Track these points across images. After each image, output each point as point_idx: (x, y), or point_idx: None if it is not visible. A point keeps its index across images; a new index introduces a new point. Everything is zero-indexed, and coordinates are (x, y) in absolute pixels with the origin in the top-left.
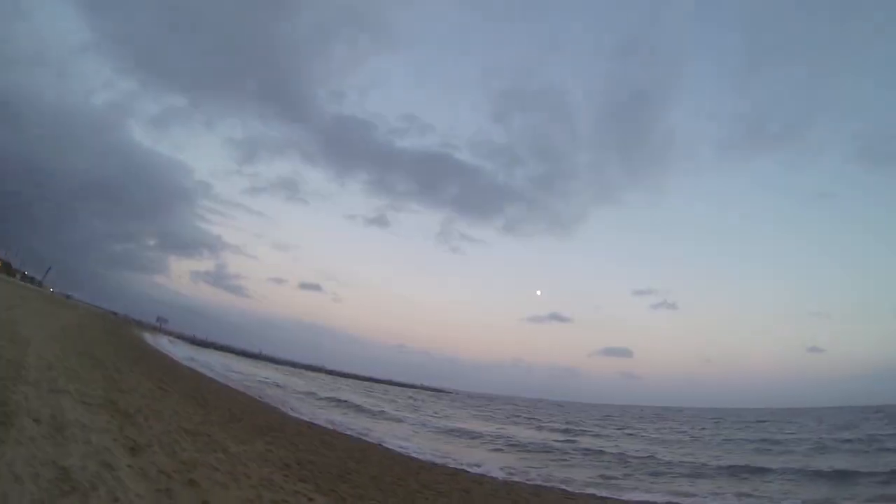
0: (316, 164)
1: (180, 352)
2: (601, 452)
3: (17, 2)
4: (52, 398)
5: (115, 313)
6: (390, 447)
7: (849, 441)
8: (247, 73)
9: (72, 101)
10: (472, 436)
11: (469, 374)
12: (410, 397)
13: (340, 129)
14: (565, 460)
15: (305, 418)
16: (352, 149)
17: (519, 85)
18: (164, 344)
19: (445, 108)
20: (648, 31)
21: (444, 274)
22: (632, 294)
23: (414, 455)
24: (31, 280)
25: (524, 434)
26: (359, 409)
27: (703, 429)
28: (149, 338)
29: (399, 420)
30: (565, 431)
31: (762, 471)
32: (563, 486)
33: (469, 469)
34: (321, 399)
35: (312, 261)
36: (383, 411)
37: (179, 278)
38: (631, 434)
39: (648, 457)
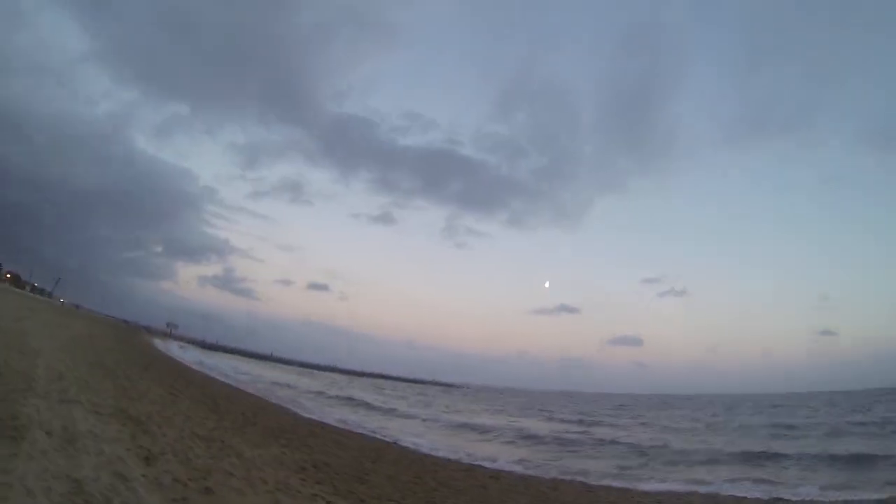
0: (319, 164)
1: (190, 356)
2: (615, 443)
3: (17, 12)
4: (63, 409)
5: (125, 321)
6: (404, 445)
7: (863, 424)
8: (247, 77)
9: (74, 110)
10: (485, 430)
11: (479, 368)
12: (421, 393)
13: (342, 129)
14: (580, 452)
15: (318, 418)
16: (354, 148)
17: (521, 79)
18: (173, 349)
19: (448, 104)
20: (651, 23)
21: (451, 269)
22: (640, 283)
23: (428, 452)
24: (41, 291)
25: (537, 426)
26: (370, 406)
27: (716, 415)
28: (159, 344)
29: (411, 416)
30: (578, 422)
31: (778, 456)
32: (581, 479)
33: (485, 464)
34: (332, 398)
35: (319, 261)
36: (394, 408)
37: (187, 283)
38: (644, 423)
39: (663, 446)
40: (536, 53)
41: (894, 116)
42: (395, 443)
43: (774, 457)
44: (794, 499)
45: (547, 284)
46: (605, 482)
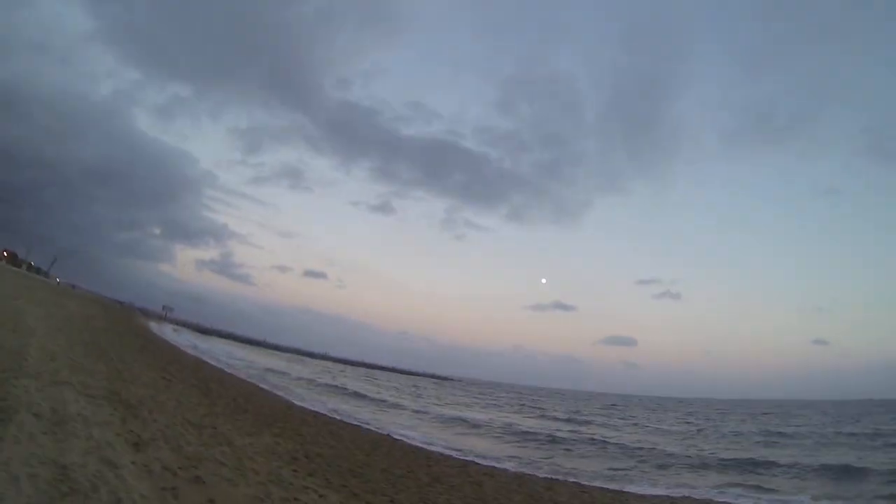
0: (321, 151)
1: (184, 340)
2: (606, 443)
3: None
4: (54, 391)
5: (120, 302)
6: (398, 438)
7: (854, 435)
8: (251, 61)
9: (76, 90)
10: (478, 425)
11: (472, 362)
12: (413, 385)
13: (345, 116)
14: (572, 451)
15: (310, 407)
16: (356, 136)
17: (526, 72)
18: (168, 332)
19: (451, 95)
20: (657, 19)
21: (449, 261)
22: (636, 283)
23: (422, 446)
24: (38, 270)
25: (529, 423)
26: (363, 397)
27: (708, 420)
28: (154, 326)
29: (403, 408)
30: (570, 421)
31: (769, 464)
32: (574, 479)
33: (478, 461)
34: (324, 387)
35: (317, 248)
36: (387, 399)
37: (185, 267)
38: (635, 424)
39: (654, 449)
40: (542, 48)
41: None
42: (388, 435)
43: (766, 465)
44: None
45: (544, 281)
46: (598, 483)
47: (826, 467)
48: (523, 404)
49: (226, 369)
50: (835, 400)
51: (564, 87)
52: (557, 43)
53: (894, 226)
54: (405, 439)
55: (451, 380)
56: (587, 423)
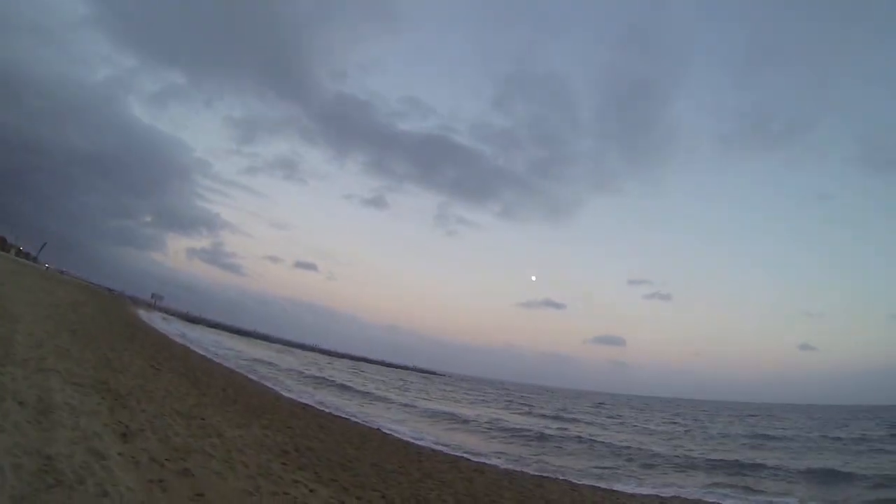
0: (315, 143)
1: (173, 329)
2: (594, 442)
3: None
4: (40, 378)
5: (110, 289)
6: (387, 432)
7: (840, 440)
8: (248, 50)
9: (71, 74)
10: (466, 420)
11: (461, 357)
12: (402, 379)
13: (340, 109)
14: (560, 449)
15: (299, 399)
16: (351, 129)
17: (521, 70)
18: (157, 321)
19: (447, 91)
20: (653, 21)
21: (440, 256)
22: (626, 283)
23: (411, 440)
24: (27, 256)
25: (517, 420)
26: (351, 390)
27: (695, 421)
28: (143, 314)
29: (393, 402)
30: (557, 418)
31: (757, 466)
32: (563, 477)
33: (468, 457)
34: (313, 378)
35: (309, 240)
36: (376, 393)
37: (175, 255)
38: (623, 423)
39: (641, 448)
40: (538, 46)
41: (889, 137)
42: (377, 429)
43: (753, 467)
44: None
45: (534, 278)
46: (586, 481)
47: (812, 471)
48: (511, 401)
49: (214, 359)
50: (820, 405)
51: (560, 87)
52: (554, 42)
53: (883, 234)
54: (394, 433)
55: (440, 375)
56: (575, 420)
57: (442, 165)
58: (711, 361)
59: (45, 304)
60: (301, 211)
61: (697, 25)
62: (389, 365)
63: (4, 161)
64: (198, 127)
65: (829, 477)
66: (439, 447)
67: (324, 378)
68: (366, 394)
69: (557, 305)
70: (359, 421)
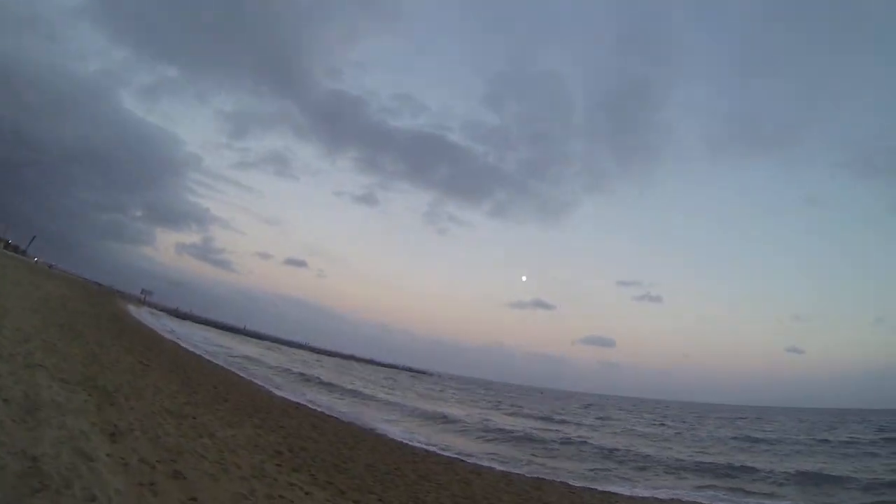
0: (307, 139)
1: (163, 325)
2: (586, 443)
3: None
4: (26, 374)
5: (99, 284)
6: (380, 432)
7: (828, 443)
8: (242, 45)
9: (63, 66)
10: (457, 421)
11: (451, 357)
12: (392, 378)
13: (333, 106)
14: (551, 450)
15: (291, 398)
16: (344, 125)
17: (514, 69)
18: (146, 316)
19: (440, 89)
20: (647, 24)
21: (431, 255)
22: (616, 284)
23: (405, 441)
24: (15, 249)
25: (508, 421)
26: (342, 389)
27: (684, 423)
28: (132, 310)
29: (384, 402)
30: (548, 420)
31: (747, 469)
32: (558, 479)
33: (463, 458)
34: (304, 377)
35: (299, 236)
36: (367, 392)
37: (165, 250)
38: (613, 425)
39: (632, 450)
40: (531, 46)
41: (878, 144)
42: (371, 429)
43: (743, 469)
44: None
45: (524, 278)
46: (581, 483)
47: (803, 473)
48: (501, 401)
49: (204, 356)
50: (807, 408)
51: (553, 86)
52: (547, 42)
53: (870, 238)
54: (387, 434)
55: (430, 374)
56: (565, 422)
57: (434, 163)
58: (700, 363)
59: (33, 298)
60: (292, 207)
61: (690, 30)
62: (379, 364)
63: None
64: (190, 121)
65: (819, 480)
66: (432, 448)
67: (314, 376)
68: (356, 393)
69: (547, 306)
70: (351, 420)
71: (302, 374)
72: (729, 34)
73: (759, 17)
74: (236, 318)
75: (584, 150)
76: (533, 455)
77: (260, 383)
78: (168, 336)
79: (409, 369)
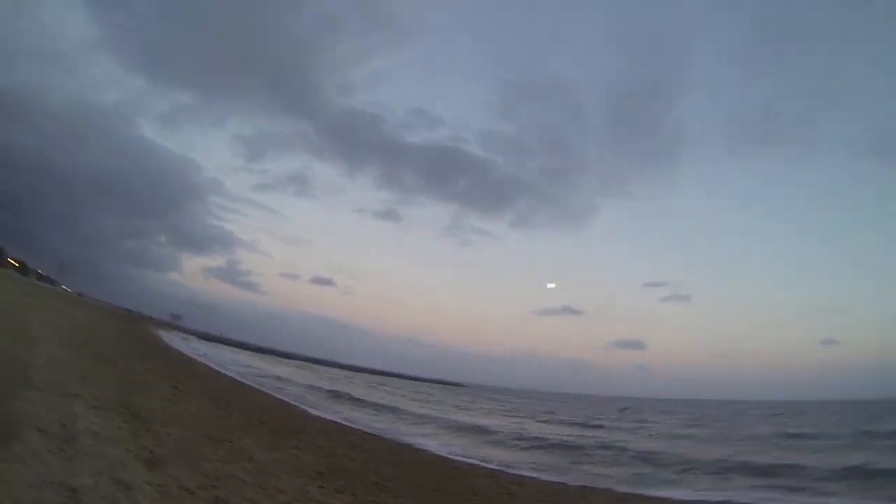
0: (325, 158)
1: (194, 348)
2: (625, 448)
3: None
4: (62, 404)
5: (128, 310)
6: (419, 447)
7: (873, 435)
8: (254, 68)
9: (81, 98)
10: (494, 431)
11: (481, 368)
12: (424, 392)
13: (349, 124)
14: (591, 457)
15: (326, 417)
16: (361, 143)
17: (528, 76)
18: (177, 341)
19: (454, 101)
20: (657, 24)
21: (455, 267)
22: (643, 286)
23: (445, 455)
24: (46, 279)
25: (544, 429)
26: (376, 405)
27: (722, 422)
28: (163, 335)
29: (419, 416)
30: (585, 426)
31: (793, 467)
32: (603, 486)
33: (504, 469)
34: (337, 395)
35: (324, 255)
36: (401, 407)
37: (192, 275)
38: (650, 428)
39: (673, 453)
40: (543, 53)
41: None
42: (409, 445)
43: (789, 467)
44: None
45: (551, 286)
46: (627, 489)
47: (851, 469)
48: (535, 410)
49: (237, 378)
50: (845, 400)
51: (566, 93)
52: (559, 48)
53: None
54: (426, 448)
55: (461, 385)
56: (602, 427)
57: (453, 176)
58: (733, 360)
59: (66, 326)
60: (314, 226)
61: (700, 24)
62: (410, 378)
63: (20, 185)
64: (208, 146)
65: (868, 474)
66: (472, 461)
67: (346, 393)
68: (390, 408)
69: (575, 311)
70: (388, 437)
71: (334, 392)
72: (739, 25)
73: (766, 10)
74: (266, 339)
75: (601, 154)
76: (573, 462)
77: (294, 403)
78: (199, 359)
79: (440, 382)
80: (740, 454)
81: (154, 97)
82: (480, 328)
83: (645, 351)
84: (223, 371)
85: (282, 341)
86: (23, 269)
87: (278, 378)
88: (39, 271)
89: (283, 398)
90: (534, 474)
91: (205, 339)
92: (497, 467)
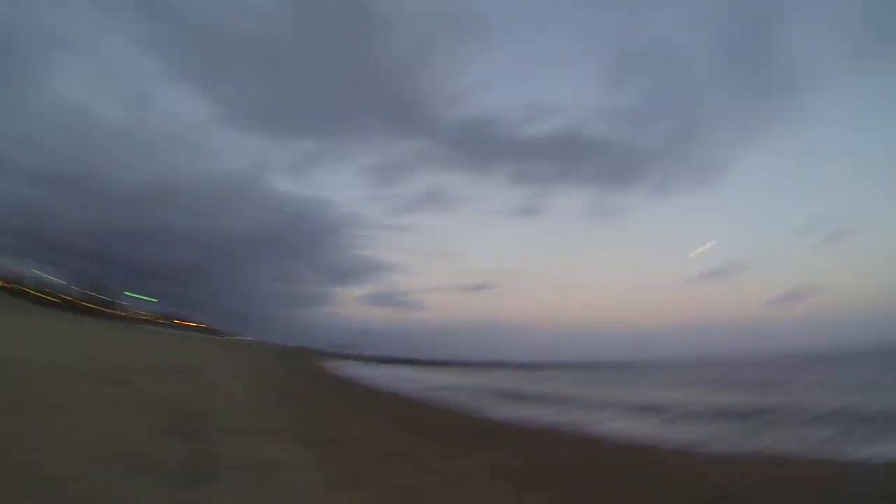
0: (453, 169)
1: (363, 373)
2: (808, 409)
3: (139, 93)
4: (250, 442)
5: (295, 348)
6: (606, 435)
7: None
8: (364, 101)
9: (214, 169)
10: (672, 408)
11: (646, 343)
12: (594, 376)
13: (468, 130)
14: (781, 421)
15: (508, 417)
16: (484, 147)
17: (632, 45)
18: (345, 368)
19: (565, 87)
20: None
21: (600, 248)
22: (797, 234)
23: (636, 439)
24: (223, 333)
25: (722, 398)
26: (553, 398)
27: None
28: (331, 365)
29: (597, 401)
30: (763, 388)
31: None
32: (798, 452)
33: (689, 448)
34: (514, 393)
35: (473, 262)
36: (575, 395)
37: (350, 304)
38: (833, 381)
39: (869, 408)
40: (639, 17)
41: None
42: (594, 433)
43: None
44: None
45: (700, 249)
46: (820, 455)
47: None
48: (708, 378)
49: (409, 394)
50: None
51: (672, 50)
52: (653, 7)
53: None
54: (614, 434)
55: (633, 364)
56: (780, 388)
57: (581, 159)
58: None
59: (242, 370)
60: (458, 236)
61: None
62: (579, 365)
63: (184, 259)
64: (338, 183)
65: None
66: (658, 441)
67: (522, 392)
68: (566, 399)
69: (730, 271)
70: (573, 429)
71: (508, 391)
72: None
73: None
74: (432, 353)
75: (723, 104)
76: (762, 429)
77: (471, 408)
78: (369, 382)
79: (609, 364)
80: None
81: (278, 151)
82: (636, 304)
83: (812, 299)
84: (395, 390)
85: (448, 351)
86: (210, 330)
87: (452, 387)
88: (215, 327)
89: (459, 405)
90: (719, 447)
91: (375, 363)
92: (681, 445)
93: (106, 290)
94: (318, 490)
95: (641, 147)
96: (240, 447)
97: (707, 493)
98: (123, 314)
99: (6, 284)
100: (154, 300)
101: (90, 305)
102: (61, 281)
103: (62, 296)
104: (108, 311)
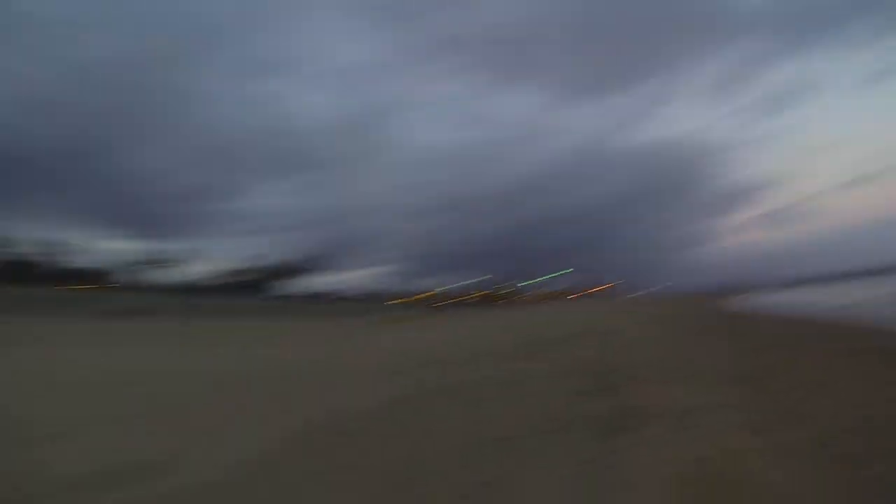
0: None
1: (768, 302)
2: None
3: None
4: (664, 390)
5: (692, 292)
6: None
7: None
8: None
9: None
10: None
11: None
12: None
13: None
14: None
15: None
16: None
17: None
18: (751, 301)
19: None
20: None
21: None
22: None
23: None
24: (621, 293)
25: None
26: None
27: None
28: (735, 301)
29: None
30: None
31: None
32: None
33: None
34: None
35: (850, 153)
36: None
37: (737, 233)
38: None
39: None
40: None
41: None
42: None
43: None
44: None
45: None
46: None
47: None
48: None
49: (826, 316)
50: None
51: None
52: None
53: None
54: None
55: None
56: None
57: None
58: None
59: (652, 323)
60: (826, 126)
61: None
62: None
63: (572, 236)
64: (684, 116)
65: None
66: None
67: None
68: None
69: None
70: None
71: None
72: None
73: None
74: (835, 264)
75: None
76: None
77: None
78: (776, 311)
79: None
80: None
81: (607, 113)
82: None
83: None
84: (804, 314)
85: (851, 261)
86: (602, 292)
87: (866, 302)
88: (612, 288)
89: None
90: None
91: (775, 289)
92: None
93: (506, 281)
94: (741, 432)
95: None
96: (657, 395)
97: None
98: (528, 298)
99: (427, 296)
100: (569, 270)
101: (496, 297)
102: (470, 281)
103: (473, 294)
104: (513, 299)
